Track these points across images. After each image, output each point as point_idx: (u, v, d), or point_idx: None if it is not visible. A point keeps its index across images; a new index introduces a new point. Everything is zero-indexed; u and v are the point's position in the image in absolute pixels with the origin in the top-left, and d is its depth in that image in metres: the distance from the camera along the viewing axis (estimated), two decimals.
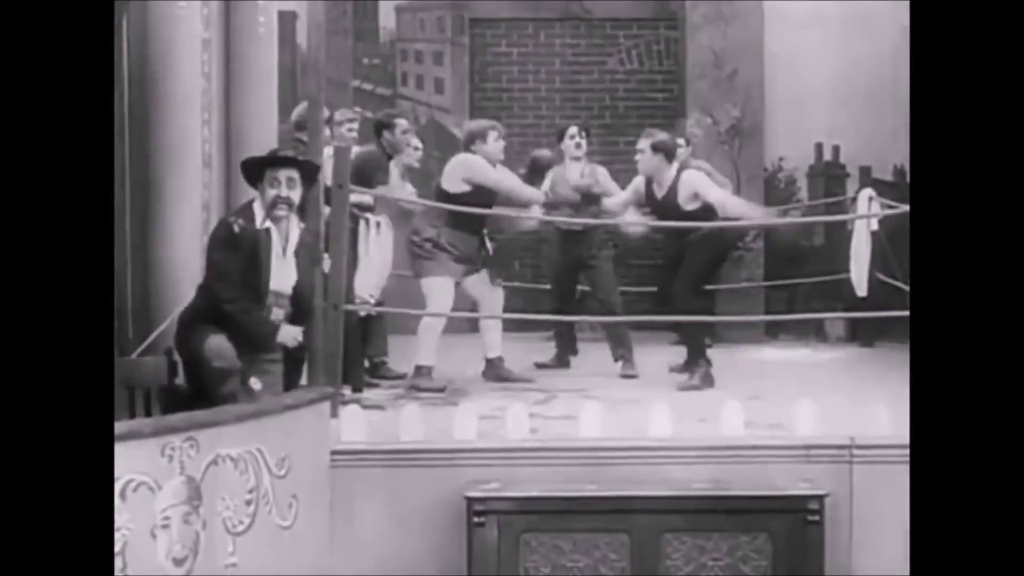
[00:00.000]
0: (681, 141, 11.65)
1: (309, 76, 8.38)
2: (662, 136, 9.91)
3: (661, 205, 9.78)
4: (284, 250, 7.40)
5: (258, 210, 7.30)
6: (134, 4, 7.27)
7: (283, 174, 7.24)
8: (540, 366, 10.33)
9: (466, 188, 9.51)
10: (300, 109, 9.10)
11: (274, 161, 7.35)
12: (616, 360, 10.13)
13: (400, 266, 10.38)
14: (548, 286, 10.80)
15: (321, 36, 8.28)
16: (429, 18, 13.48)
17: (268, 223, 7.29)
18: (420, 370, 9.46)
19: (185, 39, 7.34)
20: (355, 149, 8.77)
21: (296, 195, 7.32)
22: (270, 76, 7.88)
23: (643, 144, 9.81)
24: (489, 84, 13.55)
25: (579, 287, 10.75)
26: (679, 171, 9.73)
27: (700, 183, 9.71)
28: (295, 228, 7.43)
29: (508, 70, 13.57)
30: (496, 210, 9.71)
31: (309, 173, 7.41)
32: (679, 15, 13.18)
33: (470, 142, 9.72)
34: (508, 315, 9.92)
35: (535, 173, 10.19)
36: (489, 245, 9.83)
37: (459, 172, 9.61)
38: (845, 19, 12.76)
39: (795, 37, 12.75)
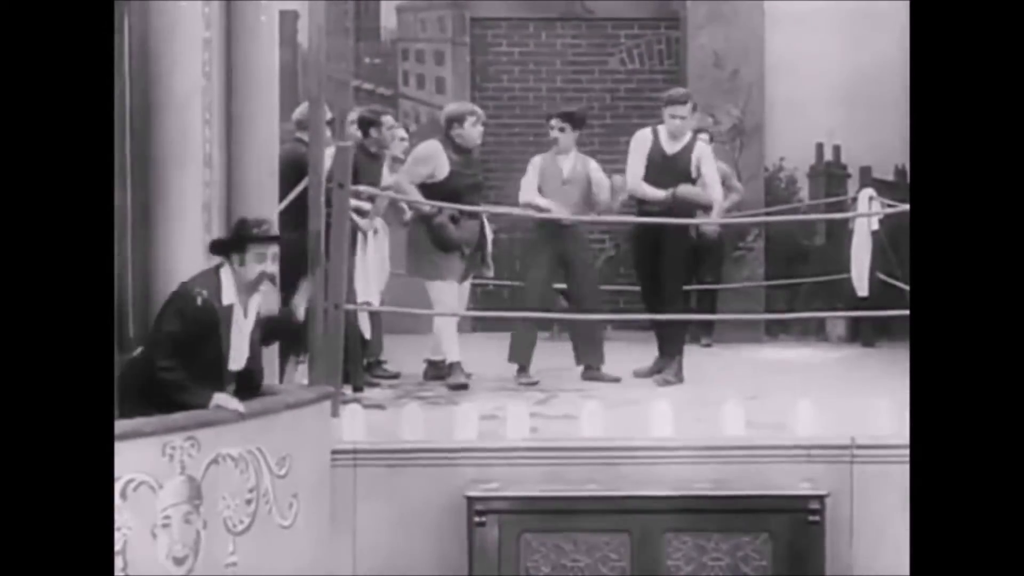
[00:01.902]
0: (705, 136, 11.68)
1: (310, 75, 8.39)
2: (681, 91, 10.02)
3: (668, 161, 9.71)
4: (243, 327, 6.82)
5: (226, 282, 6.74)
6: (135, 4, 7.26)
7: (271, 250, 6.80)
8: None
9: (445, 174, 9.53)
10: (302, 108, 9.10)
11: (264, 239, 6.83)
12: (579, 364, 9.85)
13: (398, 265, 10.40)
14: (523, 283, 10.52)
15: (322, 35, 8.28)
16: (430, 18, 13.47)
17: (235, 299, 6.76)
18: (442, 366, 9.50)
19: (186, 38, 7.32)
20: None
21: (276, 270, 6.86)
22: (271, 75, 7.85)
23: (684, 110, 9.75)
24: (490, 84, 13.54)
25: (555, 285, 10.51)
26: (696, 135, 9.82)
27: (707, 155, 9.75)
28: (254, 303, 6.88)
29: (509, 70, 13.56)
30: (490, 208, 9.68)
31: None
32: (680, 15, 13.17)
33: (448, 126, 9.73)
34: (518, 314, 9.87)
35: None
36: (488, 229, 9.80)
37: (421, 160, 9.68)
38: (846, 19, 12.74)
39: (796, 37, 12.73)
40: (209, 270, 6.85)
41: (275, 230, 7.11)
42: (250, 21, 7.74)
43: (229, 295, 6.76)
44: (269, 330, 7.04)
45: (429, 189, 9.54)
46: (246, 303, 6.83)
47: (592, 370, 9.76)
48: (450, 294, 9.55)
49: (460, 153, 9.64)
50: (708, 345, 11.78)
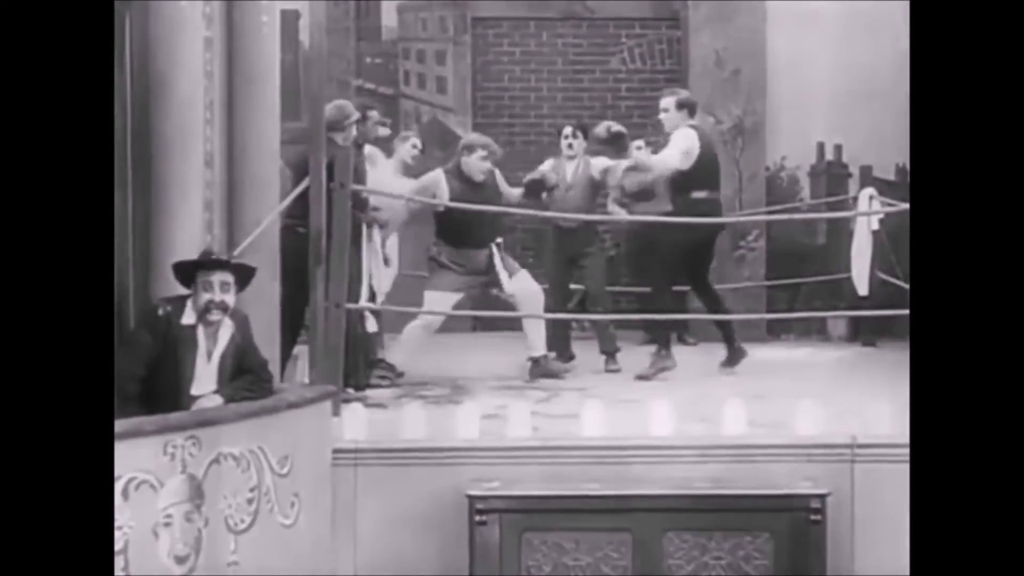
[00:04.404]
0: (641, 143, 11.76)
1: (311, 75, 8.39)
2: (686, 93, 10.09)
3: None
4: (210, 355, 6.92)
5: (189, 308, 6.89)
6: (136, 4, 7.27)
7: (217, 278, 6.83)
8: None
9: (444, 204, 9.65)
10: (330, 108, 9.11)
11: (208, 265, 6.90)
12: (602, 354, 10.27)
13: (407, 267, 10.47)
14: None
15: (323, 35, 8.29)
16: (431, 17, 13.48)
17: (194, 320, 6.87)
18: (381, 364, 9.66)
19: (187, 38, 7.33)
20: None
21: (231, 299, 6.89)
22: (272, 75, 7.86)
23: (667, 102, 9.89)
24: (491, 83, 13.54)
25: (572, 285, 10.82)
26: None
27: (673, 139, 9.77)
28: (226, 331, 6.95)
29: (510, 69, 13.56)
30: (476, 206, 9.66)
31: (243, 276, 7.00)
32: (681, 15, 13.17)
33: (460, 153, 9.85)
34: (507, 314, 9.91)
35: (530, 194, 10.14)
36: (499, 256, 9.78)
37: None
38: (847, 19, 12.73)
39: (797, 37, 12.73)
40: (179, 295, 6.97)
41: (222, 257, 7.15)
42: (251, 21, 7.75)
43: (189, 317, 6.88)
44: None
45: (436, 217, 9.74)
46: (212, 334, 6.92)
47: (610, 358, 10.19)
48: (438, 304, 9.64)
49: (463, 182, 9.71)
50: (694, 344, 11.78)
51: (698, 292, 10.11)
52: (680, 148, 9.68)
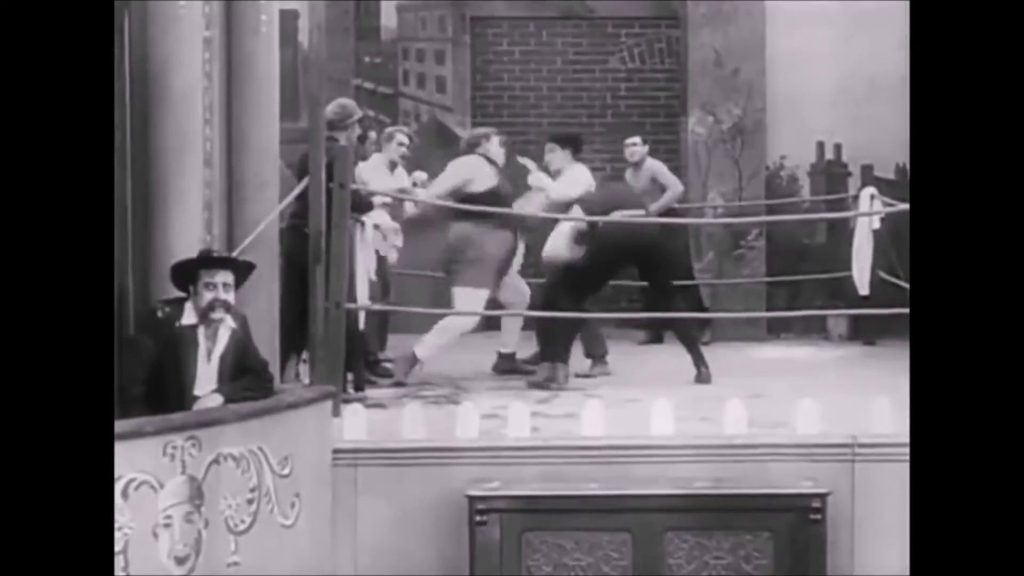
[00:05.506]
0: (637, 139, 11.81)
1: (311, 75, 8.38)
2: (566, 133, 10.56)
3: None
4: (210, 355, 6.92)
5: (189, 309, 6.90)
6: (135, 3, 7.27)
7: (220, 277, 6.84)
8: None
9: (485, 187, 9.65)
10: (333, 107, 9.11)
11: (211, 263, 6.92)
12: (587, 357, 10.16)
13: (405, 265, 10.47)
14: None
15: (322, 35, 8.29)
16: (431, 17, 13.48)
17: (195, 321, 6.88)
18: (412, 359, 9.63)
19: (186, 38, 7.33)
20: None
21: (232, 297, 6.88)
22: (271, 75, 7.87)
23: (550, 145, 10.12)
24: (490, 83, 13.54)
25: None
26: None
27: (571, 176, 9.93)
28: (225, 331, 6.94)
29: (510, 69, 13.57)
30: (483, 207, 9.66)
31: (242, 273, 7.02)
32: (681, 14, 13.18)
33: (478, 144, 9.88)
34: (504, 312, 9.93)
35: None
36: (520, 244, 9.91)
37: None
38: (847, 17, 12.75)
39: (797, 35, 12.74)
40: (178, 296, 6.97)
41: (223, 255, 7.19)
42: (251, 21, 7.75)
43: (190, 317, 6.89)
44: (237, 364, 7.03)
45: (470, 200, 9.62)
46: (212, 334, 6.92)
47: (598, 360, 10.04)
48: (469, 299, 9.60)
49: (494, 166, 9.85)
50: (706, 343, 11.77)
51: (656, 296, 9.94)
52: (580, 187, 9.83)
